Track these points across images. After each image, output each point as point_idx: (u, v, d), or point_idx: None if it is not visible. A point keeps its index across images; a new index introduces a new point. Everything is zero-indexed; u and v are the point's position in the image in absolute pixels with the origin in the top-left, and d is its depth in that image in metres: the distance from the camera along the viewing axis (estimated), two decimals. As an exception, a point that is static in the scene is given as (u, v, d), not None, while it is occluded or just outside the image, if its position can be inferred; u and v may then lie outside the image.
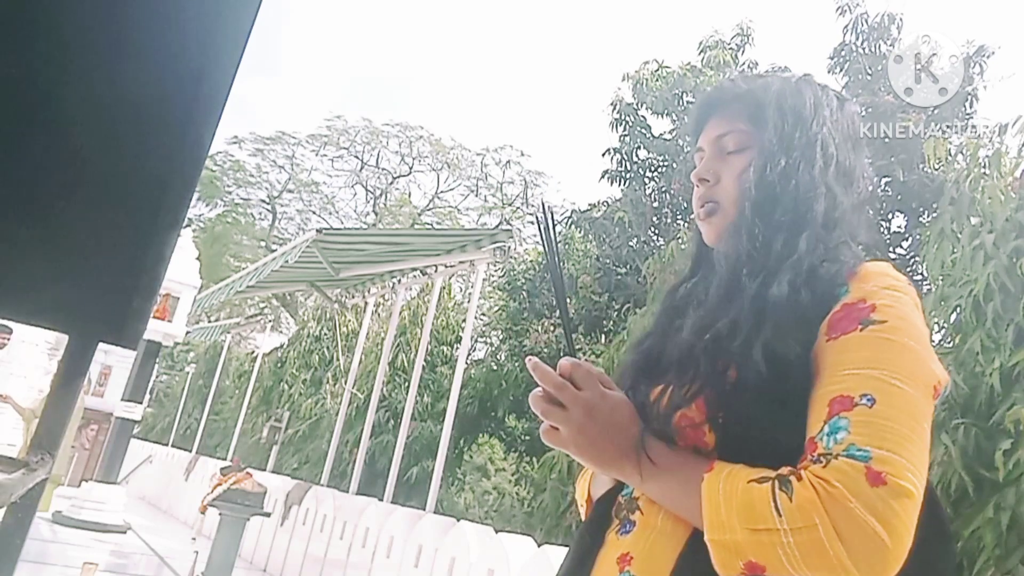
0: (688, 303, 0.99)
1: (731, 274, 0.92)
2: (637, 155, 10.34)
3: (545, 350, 9.33)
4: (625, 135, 10.31)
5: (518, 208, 22.15)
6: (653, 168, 10.32)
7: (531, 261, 11.75)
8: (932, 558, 0.78)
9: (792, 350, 0.81)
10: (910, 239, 7.93)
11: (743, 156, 0.99)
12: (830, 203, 0.93)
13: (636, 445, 0.83)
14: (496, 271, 12.99)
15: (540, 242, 0.96)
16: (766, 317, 0.83)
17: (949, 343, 4.36)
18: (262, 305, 20.90)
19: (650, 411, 0.87)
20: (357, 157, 23.77)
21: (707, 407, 0.83)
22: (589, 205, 10.82)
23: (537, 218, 0.96)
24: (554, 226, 0.95)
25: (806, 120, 0.97)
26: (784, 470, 0.75)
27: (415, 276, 8.39)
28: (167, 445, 15.18)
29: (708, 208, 1.01)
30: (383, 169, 24.06)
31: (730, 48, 9.99)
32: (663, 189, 10.12)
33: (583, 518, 1.05)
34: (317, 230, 6.94)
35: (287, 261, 6.93)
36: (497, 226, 11.12)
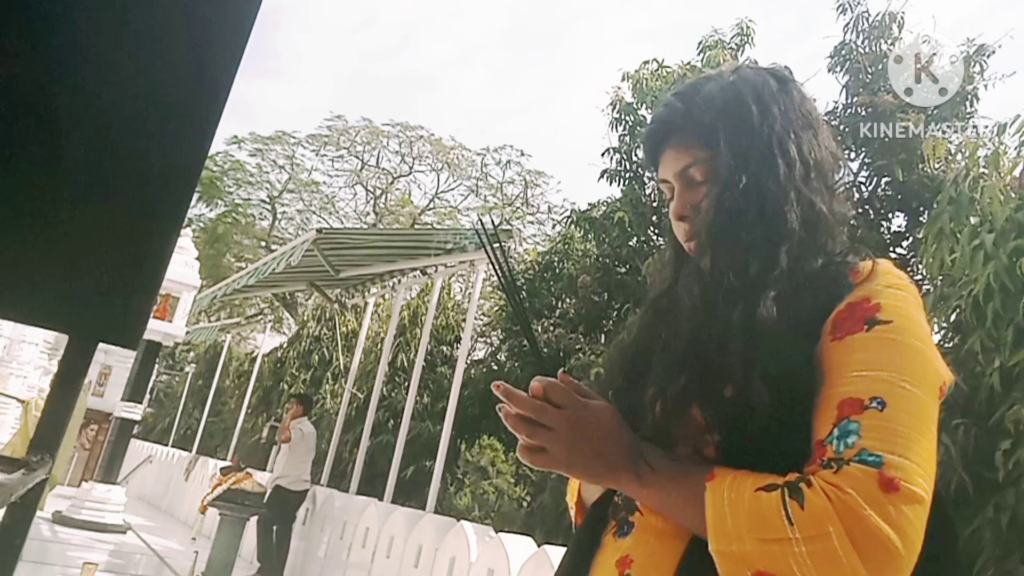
0: (675, 313, 0.95)
1: (714, 296, 0.88)
2: (637, 155, 10.32)
3: (545, 350, 9.31)
4: (625, 135, 10.29)
5: (518, 208, 22.13)
6: (653, 168, 10.30)
7: (531, 261, 11.74)
8: (939, 561, 0.77)
9: (793, 361, 0.79)
10: (910, 239, 7.92)
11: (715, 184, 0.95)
12: (805, 204, 0.90)
13: (631, 453, 0.81)
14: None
15: (490, 262, 0.89)
16: (758, 338, 0.80)
17: (949, 343, 4.36)
18: (262, 305, 20.89)
19: (648, 412, 0.85)
20: (357, 157, 23.73)
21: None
22: (589, 205, 10.80)
23: (480, 236, 0.89)
24: (501, 244, 0.90)
25: (755, 129, 0.92)
26: (792, 476, 0.73)
27: (415, 276, 8.38)
28: (167, 445, 15.19)
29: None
30: (383, 169, 24.01)
31: (730, 48, 9.98)
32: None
33: (573, 521, 1.03)
34: (317, 230, 6.95)
35: (288, 261, 6.93)
36: (497, 226, 11.09)
